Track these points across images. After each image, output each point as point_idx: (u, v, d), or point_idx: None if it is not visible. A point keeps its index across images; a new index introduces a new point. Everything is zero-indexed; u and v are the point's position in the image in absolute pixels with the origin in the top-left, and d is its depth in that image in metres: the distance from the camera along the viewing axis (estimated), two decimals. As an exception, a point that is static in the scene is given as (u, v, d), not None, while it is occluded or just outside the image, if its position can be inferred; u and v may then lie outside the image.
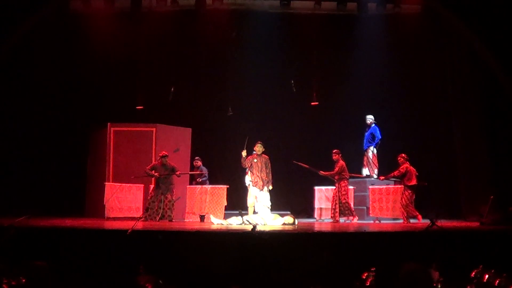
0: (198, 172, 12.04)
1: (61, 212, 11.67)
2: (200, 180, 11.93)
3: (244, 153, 10.49)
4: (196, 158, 12.06)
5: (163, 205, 10.98)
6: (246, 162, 10.56)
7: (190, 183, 12.20)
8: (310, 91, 13.20)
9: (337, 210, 11.00)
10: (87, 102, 13.31)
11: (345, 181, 11.10)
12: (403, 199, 10.53)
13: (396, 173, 10.73)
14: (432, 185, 12.81)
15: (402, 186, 10.63)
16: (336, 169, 11.02)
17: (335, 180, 11.19)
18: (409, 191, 10.47)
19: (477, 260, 5.18)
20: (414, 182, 10.48)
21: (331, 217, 11.20)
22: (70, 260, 6.39)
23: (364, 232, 8.00)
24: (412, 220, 10.43)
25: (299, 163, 11.26)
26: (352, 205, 11.26)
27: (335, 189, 11.27)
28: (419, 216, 10.37)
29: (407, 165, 10.63)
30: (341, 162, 11.06)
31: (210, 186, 11.78)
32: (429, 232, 7.35)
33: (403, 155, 10.95)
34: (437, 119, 13.22)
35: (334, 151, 11.19)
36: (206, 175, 12.01)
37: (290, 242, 7.31)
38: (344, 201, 11.00)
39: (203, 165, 12.16)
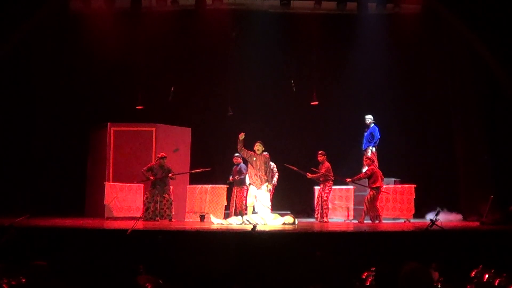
0: (195, 170, 11.93)
1: (61, 212, 11.68)
2: (239, 178, 11.39)
3: (241, 137, 10.08)
4: (236, 155, 11.36)
5: (162, 205, 10.97)
6: (244, 152, 10.25)
7: (229, 181, 11.68)
8: (310, 91, 13.20)
9: (324, 209, 11.01)
10: (87, 102, 13.32)
11: (330, 182, 11.11)
12: (367, 196, 10.69)
13: (362, 175, 10.88)
14: (432, 185, 12.88)
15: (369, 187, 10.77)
16: (323, 170, 11.02)
17: (320, 181, 11.19)
18: (373, 192, 10.63)
19: (477, 260, 5.18)
20: (378, 184, 10.63)
21: (317, 217, 11.19)
22: (70, 260, 6.38)
23: (364, 232, 8.00)
24: (366, 221, 10.62)
25: (289, 166, 11.24)
26: (328, 207, 11.21)
27: (319, 189, 11.29)
28: (380, 218, 10.61)
29: (373, 167, 10.82)
30: (327, 164, 11.08)
31: (210, 186, 11.76)
32: (429, 232, 7.34)
33: (369, 156, 11.29)
34: (437, 118, 13.23)
35: (319, 152, 11.21)
36: (246, 173, 11.24)
37: (290, 242, 7.31)
38: (324, 200, 11.01)
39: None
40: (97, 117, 13.10)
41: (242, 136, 10.11)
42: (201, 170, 11.72)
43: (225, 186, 11.64)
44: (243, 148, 10.20)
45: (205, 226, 9.82)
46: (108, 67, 13.10)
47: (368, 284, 4.36)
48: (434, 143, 13.35)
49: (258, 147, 10.29)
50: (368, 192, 10.78)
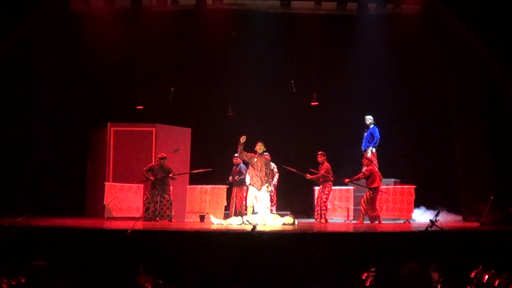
0: (196, 171, 11.90)
1: (61, 212, 11.67)
2: (239, 178, 11.37)
3: (242, 140, 10.05)
4: (236, 155, 11.13)
5: (162, 205, 10.97)
6: (243, 155, 10.25)
7: (229, 182, 11.69)
8: (310, 91, 13.21)
9: (322, 210, 11.02)
10: (87, 102, 13.31)
11: (330, 183, 11.07)
12: (364, 197, 10.70)
13: (360, 175, 10.90)
14: (432, 185, 12.88)
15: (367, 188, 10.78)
16: (322, 171, 11.00)
17: (320, 182, 11.19)
18: (370, 192, 10.63)
19: (477, 260, 5.18)
20: (376, 184, 10.65)
21: (316, 218, 11.18)
22: (70, 260, 6.39)
23: (364, 233, 8.00)
24: (366, 221, 10.62)
25: (288, 167, 11.25)
26: (327, 208, 11.18)
27: (319, 190, 11.28)
28: (379, 218, 10.60)
29: (371, 167, 10.84)
30: (327, 164, 11.04)
31: (210, 186, 11.75)
32: (429, 232, 7.35)
33: (368, 157, 11.35)
34: (437, 118, 13.22)
35: (319, 152, 11.17)
36: (245, 173, 11.11)
37: (290, 242, 7.31)
38: (324, 201, 11.01)
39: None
40: (97, 117, 13.10)
41: (243, 139, 10.08)
42: (202, 170, 11.69)
43: (225, 186, 11.64)
44: (243, 151, 10.20)
45: (205, 226, 9.82)
46: (108, 67, 13.09)
47: (367, 284, 4.36)
48: (434, 143, 13.35)
49: (260, 147, 10.27)
50: (365, 193, 10.78)
